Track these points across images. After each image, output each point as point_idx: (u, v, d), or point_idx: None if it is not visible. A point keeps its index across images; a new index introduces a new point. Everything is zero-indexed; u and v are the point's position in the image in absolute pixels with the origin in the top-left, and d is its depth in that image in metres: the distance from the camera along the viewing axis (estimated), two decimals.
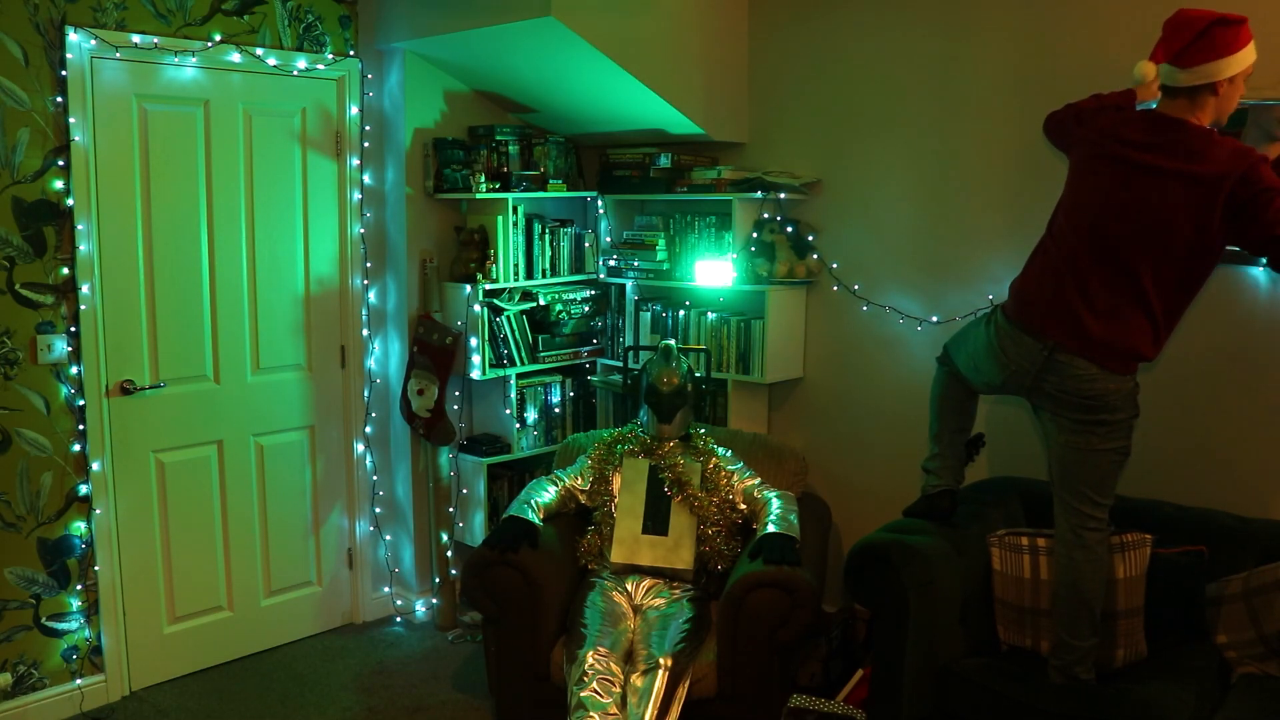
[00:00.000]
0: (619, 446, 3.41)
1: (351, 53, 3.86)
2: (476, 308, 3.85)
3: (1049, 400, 2.54)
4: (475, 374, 3.90)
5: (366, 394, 4.06)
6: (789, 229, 3.73)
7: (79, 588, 3.35)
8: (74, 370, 3.27)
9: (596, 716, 2.70)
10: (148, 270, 3.44)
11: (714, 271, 3.77)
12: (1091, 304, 2.44)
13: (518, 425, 4.02)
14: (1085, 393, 2.45)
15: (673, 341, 3.58)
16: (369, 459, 4.10)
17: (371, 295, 4.05)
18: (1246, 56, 2.37)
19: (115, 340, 3.38)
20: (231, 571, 3.76)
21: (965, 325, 2.89)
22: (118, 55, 3.25)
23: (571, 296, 4.14)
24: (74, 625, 3.35)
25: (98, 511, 3.35)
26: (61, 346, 3.24)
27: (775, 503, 3.22)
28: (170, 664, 3.61)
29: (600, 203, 4.22)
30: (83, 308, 3.26)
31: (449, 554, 4.06)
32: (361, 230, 3.96)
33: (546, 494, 3.35)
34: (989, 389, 2.76)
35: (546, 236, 4.04)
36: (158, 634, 3.58)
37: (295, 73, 3.70)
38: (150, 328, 3.47)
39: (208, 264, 3.59)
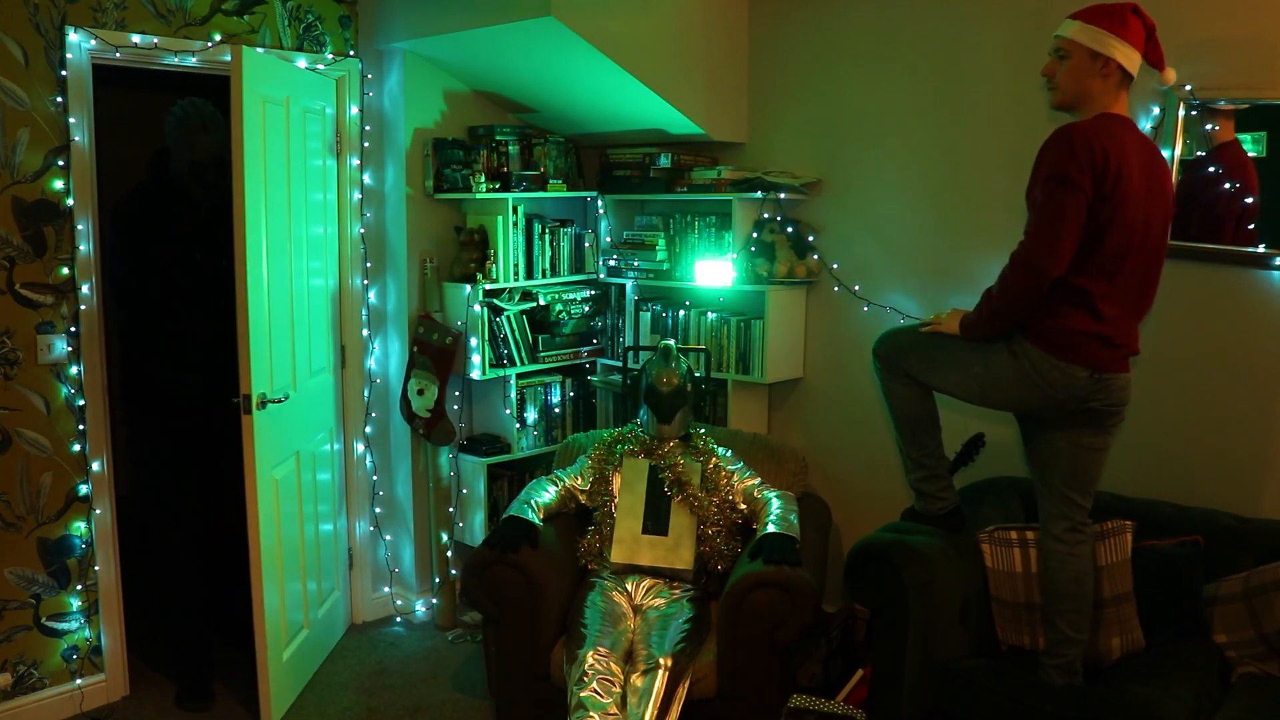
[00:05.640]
0: (619, 446, 3.41)
1: (351, 53, 3.86)
2: (476, 308, 3.85)
3: (1084, 415, 2.50)
4: (475, 374, 3.90)
5: (366, 394, 4.06)
6: (789, 229, 3.73)
7: (79, 588, 3.34)
8: (74, 370, 3.27)
9: (596, 716, 2.70)
10: None
11: (714, 271, 3.77)
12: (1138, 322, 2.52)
13: (518, 425, 4.02)
14: (1125, 400, 2.51)
15: (672, 341, 3.58)
16: (369, 459, 4.10)
17: (371, 295, 4.04)
18: None
19: None
20: None
21: (926, 341, 2.67)
22: (118, 55, 3.25)
23: (571, 296, 4.14)
24: (74, 625, 3.35)
25: (98, 511, 3.35)
26: (61, 346, 3.24)
27: (775, 503, 3.22)
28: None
29: (600, 203, 4.22)
30: (83, 308, 3.26)
31: (449, 554, 4.06)
32: (361, 230, 3.96)
33: (546, 494, 3.35)
34: (998, 409, 2.74)
35: (546, 236, 4.04)
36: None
37: None
38: None
39: None
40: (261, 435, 3.08)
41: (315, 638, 3.66)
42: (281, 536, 3.30)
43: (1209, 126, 2.85)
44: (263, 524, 3.09)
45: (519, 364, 3.99)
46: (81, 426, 3.30)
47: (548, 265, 4.07)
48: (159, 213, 3.30)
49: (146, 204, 3.32)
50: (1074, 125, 2.34)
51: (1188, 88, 2.82)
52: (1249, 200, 2.82)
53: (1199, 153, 2.87)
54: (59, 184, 3.18)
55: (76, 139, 3.18)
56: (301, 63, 3.69)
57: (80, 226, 3.22)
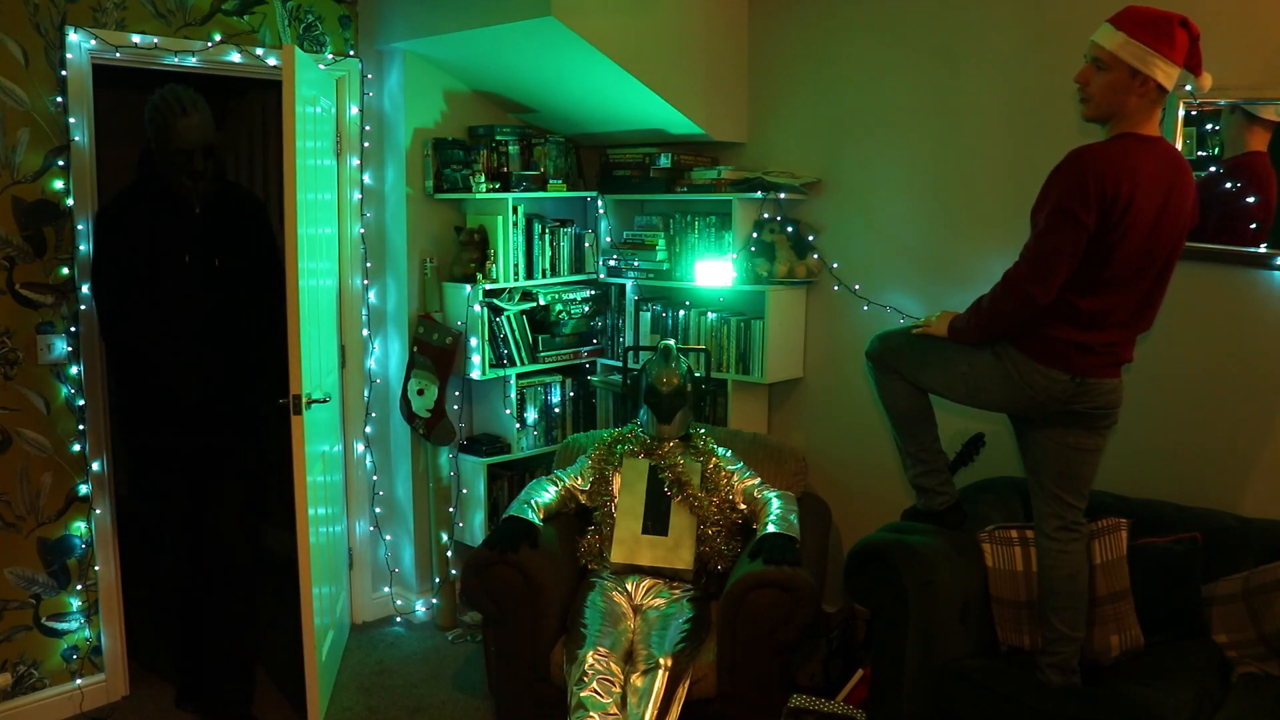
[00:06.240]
0: (619, 446, 3.41)
1: (351, 53, 3.86)
2: (476, 308, 3.85)
3: (1070, 417, 2.52)
4: (475, 374, 3.90)
5: (366, 394, 4.06)
6: (789, 229, 3.73)
7: (79, 588, 3.34)
8: (74, 370, 3.27)
9: (596, 716, 2.70)
10: None
11: (714, 271, 3.77)
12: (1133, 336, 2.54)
13: (518, 425, 4.02)
14: (1113, 403, 2.52)
15: (672, 341, 3.58)
16: (369, 459, 4.10)
17: (371, 295, 4.05)
18: None
19: None
20: None
21: (916, 342, 2.71)
22: (118, 55, 3.25)
23: (571, 296, 4.14)
24: (74, 625, 3.35)
25: (98, 511, 3.35)
26: (61, 346, 3.24)
27: (775, 503, 3.22)
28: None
29: (600, 203, 4.22)
30: (82, 308, 3.26)
31: (449, 554, 4.06)
32: (361, 230, 3.96)
33: (546, 494, 3.35)
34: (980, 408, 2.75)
35: (546, 236, 4.04)
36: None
37: None
38: None
39: None
40: (307, 437, 3.06)
41: (337, 638, 3.68)
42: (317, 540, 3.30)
43: (1235, 131, 2.83)
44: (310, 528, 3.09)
45: (519, 364, 3.99)
46: (81, 426, 3.30)
47: (548, 265, 4.07)
48: (145, 215, 3.06)
49: (131, 207, 3.08)
50: (1090, 153, 2.29)
51: (1188, 88, 2.82)
52: (1250, 200, 2.82)
53: (1199, 153, 2.87)
54: (59, 184, 3.18)
55: (76, 139, 3.18)
56: None
57: (80, 226, 3.22)
